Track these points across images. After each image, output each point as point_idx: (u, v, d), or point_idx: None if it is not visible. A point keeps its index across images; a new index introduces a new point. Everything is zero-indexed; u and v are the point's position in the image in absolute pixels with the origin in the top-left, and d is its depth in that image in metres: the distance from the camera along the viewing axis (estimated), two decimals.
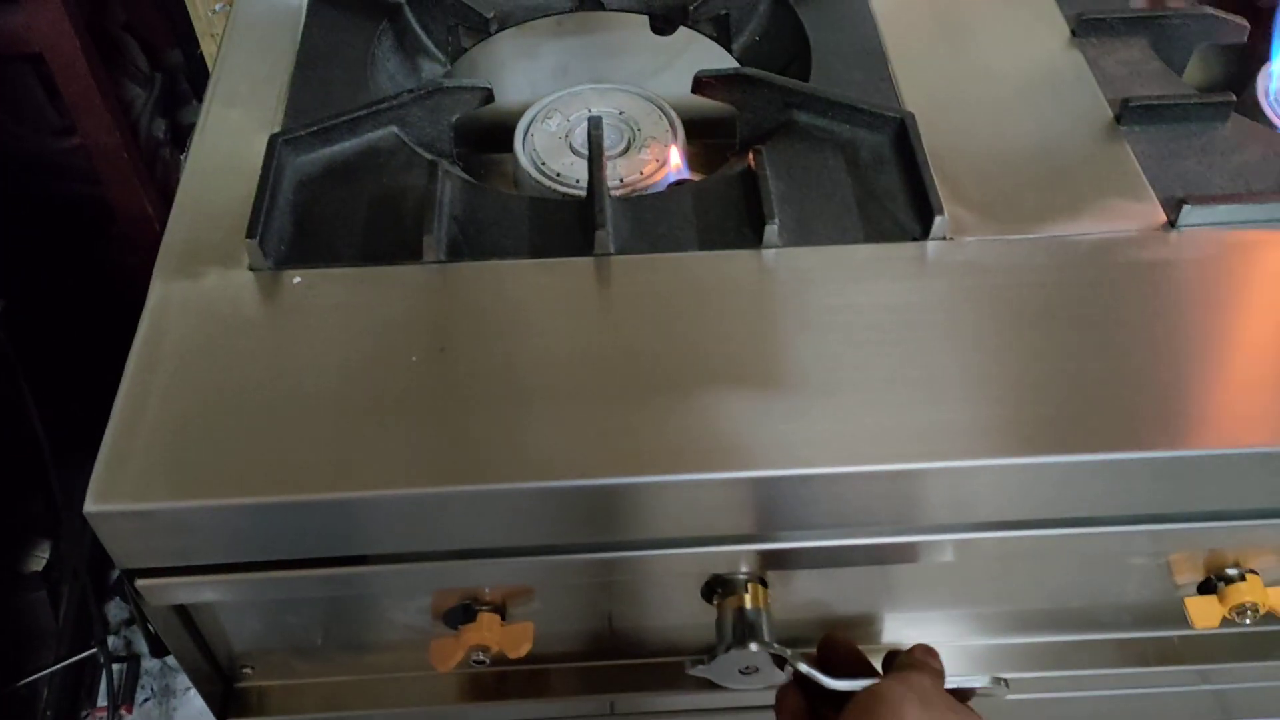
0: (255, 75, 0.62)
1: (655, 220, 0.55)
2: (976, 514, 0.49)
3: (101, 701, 1.29)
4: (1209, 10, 0.65)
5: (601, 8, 0.72)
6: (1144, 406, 0.47)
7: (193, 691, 1.32)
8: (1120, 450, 0.46)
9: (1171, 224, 0.54)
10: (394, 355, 0.49)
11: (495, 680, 0.59)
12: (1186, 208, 0.54)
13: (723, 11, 0.68)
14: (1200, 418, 0.48)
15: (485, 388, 0.48)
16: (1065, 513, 0.49)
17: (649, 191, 0.62)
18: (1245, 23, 0.65)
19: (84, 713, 1.29)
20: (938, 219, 0.53)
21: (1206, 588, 0.56)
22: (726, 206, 0.56)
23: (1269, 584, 0.55)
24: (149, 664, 1.34)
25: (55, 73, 1.18)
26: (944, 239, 0.54)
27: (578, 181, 0.62)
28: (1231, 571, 0.55)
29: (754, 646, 0.49)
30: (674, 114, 0.67)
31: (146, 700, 1.32)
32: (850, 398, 0.48)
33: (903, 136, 0.57)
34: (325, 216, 0.55)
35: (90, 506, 0.44)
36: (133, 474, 0.45)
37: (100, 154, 1.26)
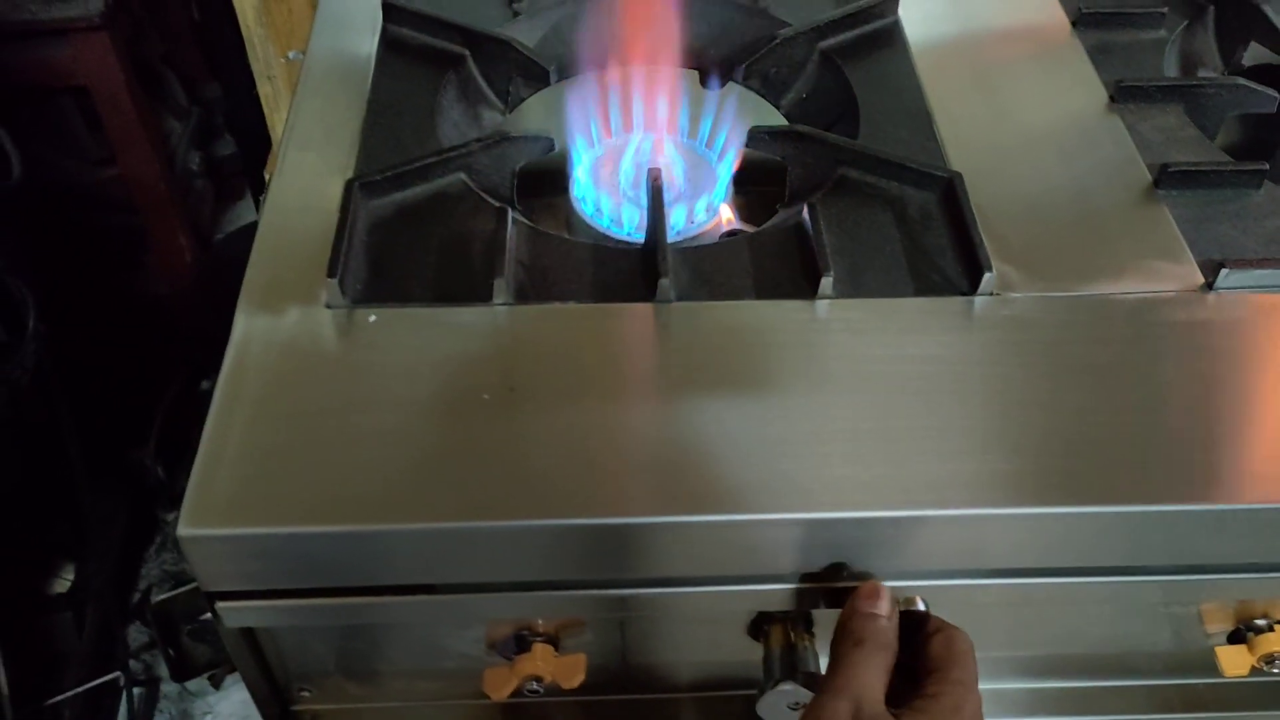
0: (328, 121, 0.65)
1: (713, 270, 0.58)
2: (1018, 560, 0.51)
3: None
4: (1241, 81, 0.68)
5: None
6: (1180, 461, 0.49)
7: (210, 716, 1.33)
8: (1154, 503, 0.48)
9: (1209, 286, 0.57)
10: (465, 393, 0.51)
11: (544, 709, 0.61)
12: (1225, 271, 0.56)
13: (773, 70, 0.71)
14: (1232, 473, 0.50)
15: (551, 426, 0.50)
16: (1101, 561, 0.51)
17: (703, 242, 0.64)
18: (1276, 94, 0.67)
19: None
20: (986, 275, 0.56)
21: (1236, 637, 0.58)
22: (782, 258, 0.58)
23: None
24: (168, 688, 1.35)
25: (99, 104, 1.21)
26: (991, 294, 0.56)
27: (635, 229, 0.65)
28: (1260, 622, 0.57)
29: (790, 685, 0.51)
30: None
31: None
32: (903, 445, 0.50)
33: (951, 194, 0.60)
34: (398, 258, 0.58)
35: (183, 530, 0.46)
36: (220, 500, 0.47)
37: (138, 185, 1.29)
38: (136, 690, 1.32)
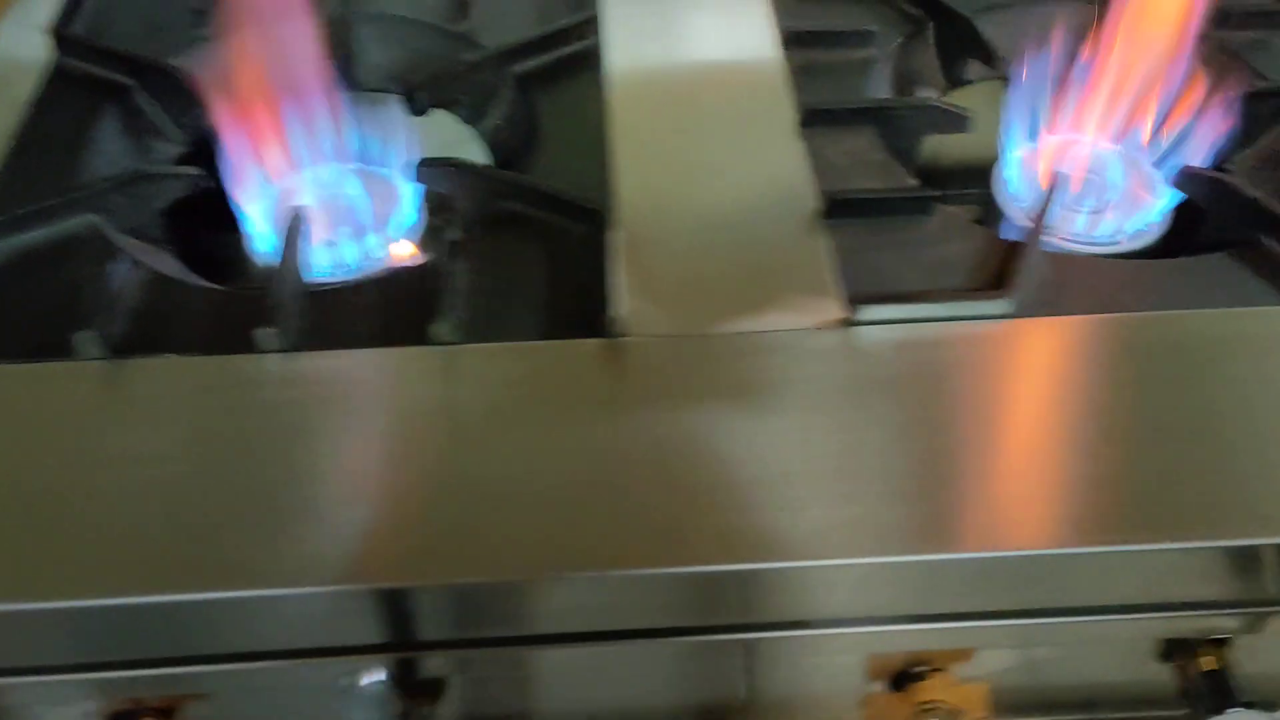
0: None
1: (337, 314, 0.55)
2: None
3: None
4: (933, 101, 0.65)
5: (358, 87, 0.72)
6: (758, 510, 0.47)
7: None
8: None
9: (849, 321, 0.54)
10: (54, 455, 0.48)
11: None
12: (862, 306, 0.54)
13: (464, 96, 0.68)
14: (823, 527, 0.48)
15: (130, 489, 0.47)
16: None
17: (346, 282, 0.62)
18: (967, 113, 0.65)
19: None
20: (616, 315, 0.53)
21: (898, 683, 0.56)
22: (414, 299, 0.55)
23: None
24: None
25: None
26: (621, 336, 0.54)
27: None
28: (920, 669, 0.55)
29: None
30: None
31: None
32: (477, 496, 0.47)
33: (599, 229, 0.57)
34: (5, 308, 0.55)
35: None
36: None
37: None
38: None
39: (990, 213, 0.64)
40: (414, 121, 0.70)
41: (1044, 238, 0.62)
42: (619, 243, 0.58)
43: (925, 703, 0.55)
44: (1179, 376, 0.52)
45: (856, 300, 0.54)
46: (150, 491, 0.47)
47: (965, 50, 0.71)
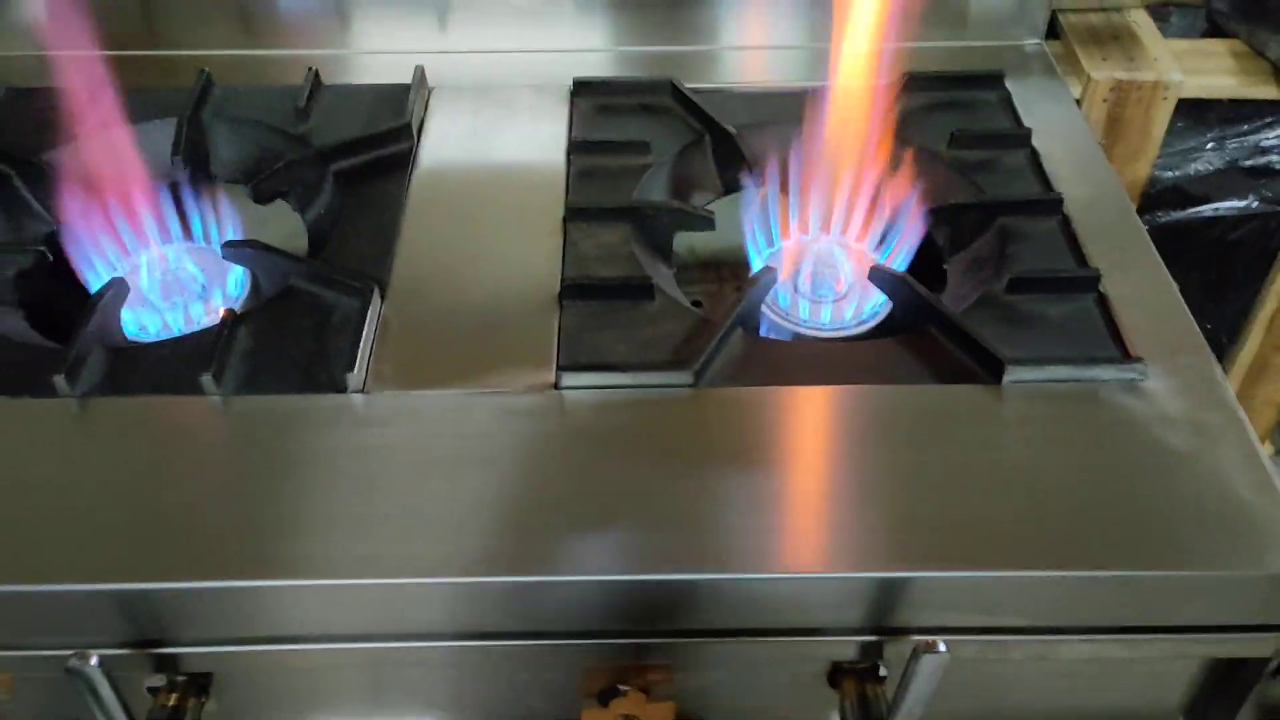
0: None
1: (130, 367, 0.66)
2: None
3: None
4: (677, 205, 0.76)
5: (210, 179, 0.84)
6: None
7: None
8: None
9: (556, 385, 0.64)
10: None
11: None
12: (563, 373, 0.64)
13: (285, 188, 0.80)
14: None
15: None
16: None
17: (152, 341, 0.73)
18: (711, 214, 0.76)
19: None
20: (350, 375, 0.64)
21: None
22: (199, 357, 0.66)
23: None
24: None
25: None
26: (359, 392, 0.64)
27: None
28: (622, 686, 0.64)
29: None
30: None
31: None
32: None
33: (364, 303, 0.68)
34: None
35: None
36: None
37: None
38: None
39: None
40: (256, 209, 0.81)
41: (778, 321, 0.73)
42: (378, 315, 0.69)
43: (625, 714, 0.64)
44: (822, 433, 0.62)
45: (563, 368, 0.65)
46: None
47: (733, 161, 0.82)
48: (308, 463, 0.60)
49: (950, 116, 0.85)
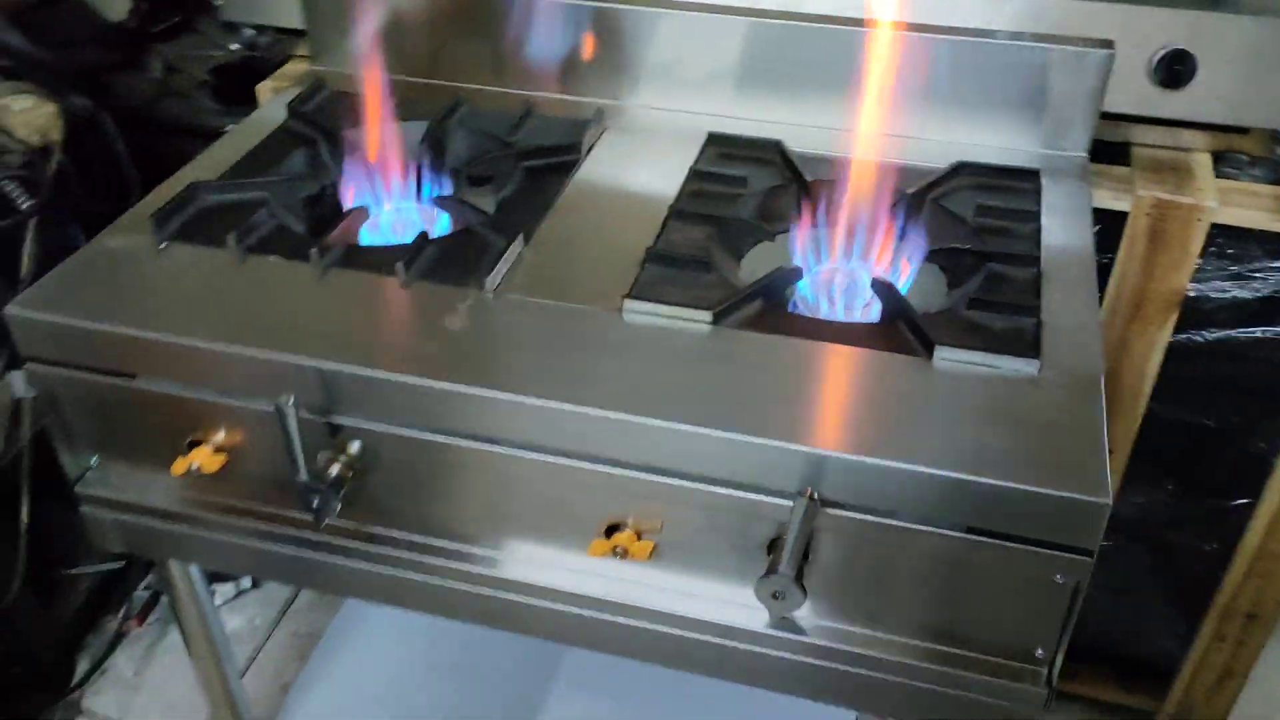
0: None
1: (373, 259, 1.01)
2: None
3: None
4: (751, 221, 1.05)
5: (442, 164, 1.19)
6: None
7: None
8: None
9: (619, 311, 0.94)
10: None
11: None
12: (625, 300, 0.94)
13: (489, 175, 1.14)
14: None
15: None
16: None
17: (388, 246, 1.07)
18: (778, 233, 1.04)
19: (107, 616, 1.77)
20: (487, 279, 0.96)
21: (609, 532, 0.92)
22: (399, 255, 1.00)
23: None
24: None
25: None
26: (494, 293, 0.96)
27: None
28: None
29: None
30: None
31: (154, 621, 1.79)
32: None
33: (511, 242, 1.00)
34: (215, 224, 1.05)
35: (9, 310, 0.93)
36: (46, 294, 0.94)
37: None
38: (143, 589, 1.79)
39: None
40: (467, 189, 1.16)
41: (802, 309, 1.00)
42: (519, 251, 1.01)
43: (618, 545, 0.91)
44: (800, 366, 0.88)
45: (625, 297, 0.94)
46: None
47: (807, 203, 1.10)
48: (457, 327, 0.93)
49: (985, 195, 1.10)
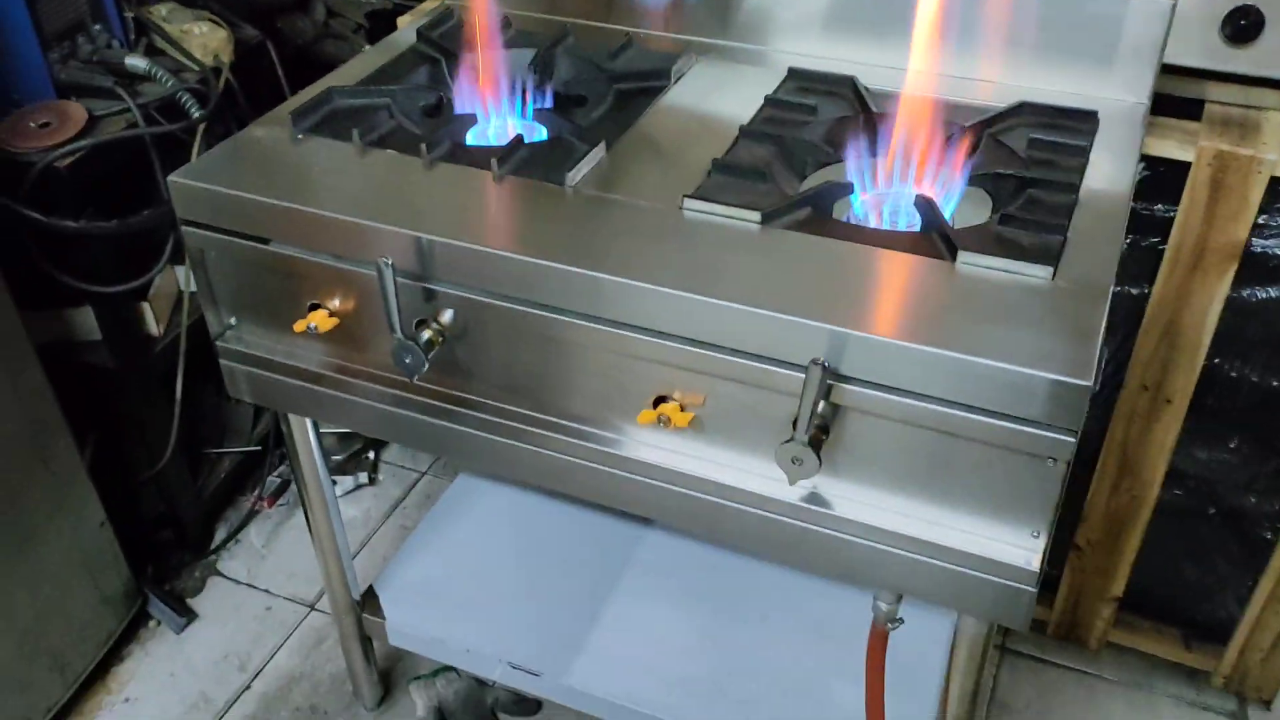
0: None
1: (483, 157, 1.16)
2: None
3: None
4: (812, 142, 1.15)
5: (546, 86, 1.33)
6: None
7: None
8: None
9: (680, 208, 1.06)
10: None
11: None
12: (685, 199, 1.06)
13: (586, 95, 1.27)
14: None
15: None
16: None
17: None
18: (837, 156, 1.14)
19: (243, 496, 1.99)
20: (568, 175, 1.09)
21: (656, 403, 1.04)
22: (495, 153, 1.14)
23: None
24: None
25: None
26: (573, 188, 1.09)
27: None
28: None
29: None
30: None
31: (283, 504, 2.00)
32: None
33: (593, 147, 1.13)
34: (348, 123, 1.21)
35: (172, 178, 1.11)
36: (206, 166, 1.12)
37: None
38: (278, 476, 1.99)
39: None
40: (567, 107, 1.30)
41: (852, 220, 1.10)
42: (600, 156, 1.14)
43: (662, 414, 1.03)
44: (835, 262, 0.99)
45: (686, 195, 1.06)
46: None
47: (871, 133, 1.19)
48: (539, 214, 1.06)
49: (1041, 131, 1.18)
